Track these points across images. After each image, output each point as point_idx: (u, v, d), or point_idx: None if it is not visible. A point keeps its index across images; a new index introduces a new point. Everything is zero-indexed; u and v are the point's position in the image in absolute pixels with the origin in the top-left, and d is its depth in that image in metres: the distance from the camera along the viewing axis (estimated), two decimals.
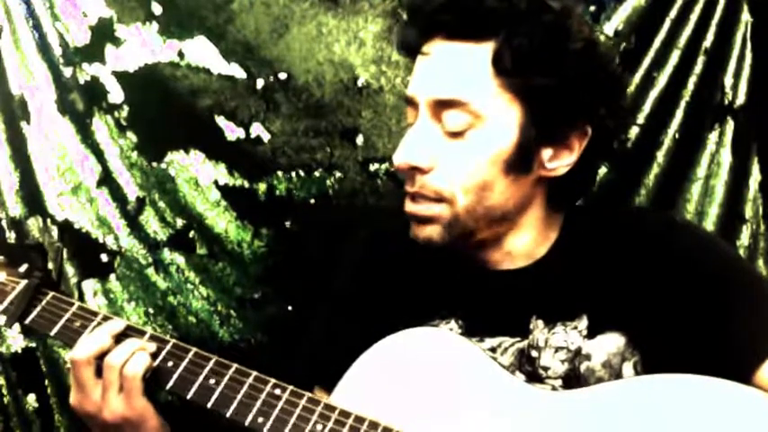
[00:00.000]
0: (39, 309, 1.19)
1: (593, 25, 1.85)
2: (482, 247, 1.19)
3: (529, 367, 1.15)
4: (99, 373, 1.12)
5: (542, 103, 1.10)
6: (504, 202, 1.14)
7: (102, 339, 1.13)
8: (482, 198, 1.12)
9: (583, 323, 1.14)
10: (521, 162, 1.12)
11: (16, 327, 2.01)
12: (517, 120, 1.10)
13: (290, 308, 2.01)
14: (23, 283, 1.20)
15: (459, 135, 1.10)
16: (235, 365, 1.12)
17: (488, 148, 1.10)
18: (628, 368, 1.12)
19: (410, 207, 1.16)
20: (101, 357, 1.12)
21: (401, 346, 1.12)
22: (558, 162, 1.15)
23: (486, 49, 1.08)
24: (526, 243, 1.20)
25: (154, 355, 1.13)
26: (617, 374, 1.12)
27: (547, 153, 1.13)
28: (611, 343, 1.13)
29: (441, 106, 1.10)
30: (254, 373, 1.11)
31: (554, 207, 1.22)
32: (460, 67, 1.10)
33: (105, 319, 1.18)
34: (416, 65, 1.16)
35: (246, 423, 1.08)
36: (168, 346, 1.14)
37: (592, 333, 1.13)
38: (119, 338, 1.14)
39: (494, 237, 1.18)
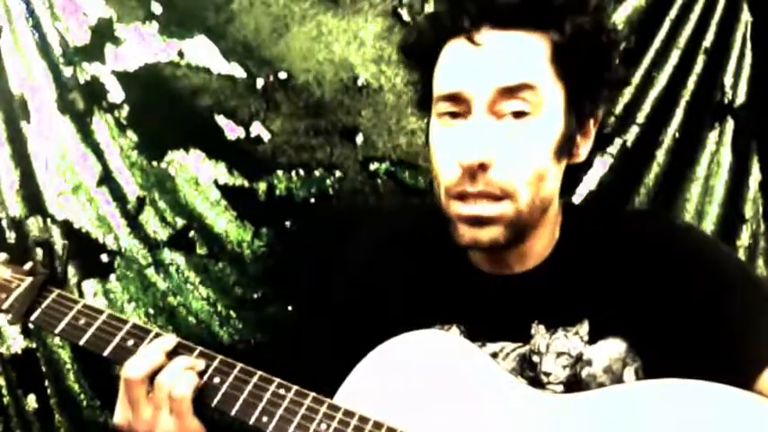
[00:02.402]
0: (43, 306, 1.19)
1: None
2: (508, 247, 1.17)
3: (530, 372, 1.15)
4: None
5: (581, 90, 1.12)
6: (553, 192, 1.15)
7: (155, 358, 1.11)
8: (539, 189, 1.11)
9: (584, 328, 1.14)
10: (566, 148, 1.14)
11: (17, 327, 2.01)
12: (563, 106, 1.11)
13: (290, 308, 2.01)
14: (28, 280, 1.20)
15: (520, 122, 1.09)
16: (259, 373, 1.12)
17: (543, 135, 1.10)
18: (629, 374, 1.12)
19: (468, 209, 1.11)
20: (152, 375, 1.10)
21: (405, 348, 1.12)
22: (584, 148, 1.18)
23: (543, 39, 1.09)
24: (541, 243, 1.20)
25: (202, 373, 1.12)
26: (618, 380, 1.12)
27: (579, 138, 1.17)
28: (612, 348, 1.13)
29: (505, 94, 1.08)
30: (259, 373, 1.11)
31: (562, 199, 1.23)
32: (523, 54, 1.09)
33: (112, 318, 1.17)
34: (457, 58, 1.12)
35: (251, 422, 1.08)
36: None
37: (593, 338, 1.13)
38: (170, 355, 1.13)
39: (531, 235, 1.18)
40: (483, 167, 1.08)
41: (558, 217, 1.22)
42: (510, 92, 1.08)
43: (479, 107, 1.09)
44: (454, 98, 1.11)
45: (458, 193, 1.11)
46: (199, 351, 1.14)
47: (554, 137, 1.11)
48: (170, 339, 1.15)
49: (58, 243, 1.98)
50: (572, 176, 1.23)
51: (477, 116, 1.09)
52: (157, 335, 1.15)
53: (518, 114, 1.08)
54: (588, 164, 1.28)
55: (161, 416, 1.09)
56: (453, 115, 1.12)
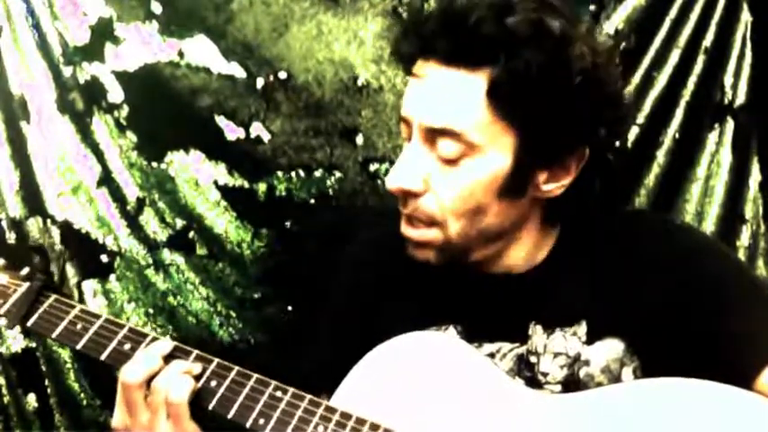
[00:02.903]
0: (40, 311, 1.18)
1: (594, 23, 1.85)
2: (481, 263, 1.18)
3: (528, 373, 1.15)
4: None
5: (538, 131, 1.07)
6: (499, 224, 1.13)
7: (152, 362, 1.10)
8: (474, 222, 1.11)
9: (582, 329, 1.14)
10: (515, 187, 1.10)
11: (16, 327, 2.01)
12: (511, 147, 1.07)
13: (290, 308, 2.02)
14: (25, 285, 1.20)
15: (453, 163, 1.08)
16: (255, 376, 1.12)
17: (481, 175, 1.08)
18: (627, 373, 1.12)
19: (405, 230, 1.16)
20: (150, 380, 1.10)
21: (401, 350, 1.12)
22: (554, 184, 1.13)
23: (482, 77, 1.05)
24: (524, 254, 1.19)
25: (198, 377, 1.11)
26: (616, 380, 1.11)
27: (542, 176, 1.11)
28: (610, 349, 1.12)
29: (434, 133, 1.08)
30: (256, 376, 1.11)
31: (551, 221, 1.21)
32: (454, 96, 1.06)
33: (109, 322, 1.17)
34: (410, 84, 1.13)
35: (248, 425, 1.08)
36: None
37: (591, 339, 1.13)
38: (167, 359, 1.12)
39: (491, 253, 1.17)
40: (412, 194, 1.11)
41: (548, 228, 1.21)
42: (436, 132, 1.07)
43: (417, 136, 1.09)
44: (405, 121, 1.12)
45: (401, 212, 1.15)
46: (195, 354, 1.14)
47: (496, 176, 1.08)
48: (167, 344, 1.14)
49: (56, 247, 1.98)
50: (574, 201, 1.19)
51: (415, 144, 1.10)
52: (154, 339, 1.15)
53: (445, 160, 1.08)
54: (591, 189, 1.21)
55: (158, 420, 1.08)
56: (408, 138, 1.13)
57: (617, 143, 1.24)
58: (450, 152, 1.07)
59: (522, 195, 1.12)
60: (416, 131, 1.09)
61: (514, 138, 1.07)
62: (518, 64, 1.02)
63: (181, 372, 1.10)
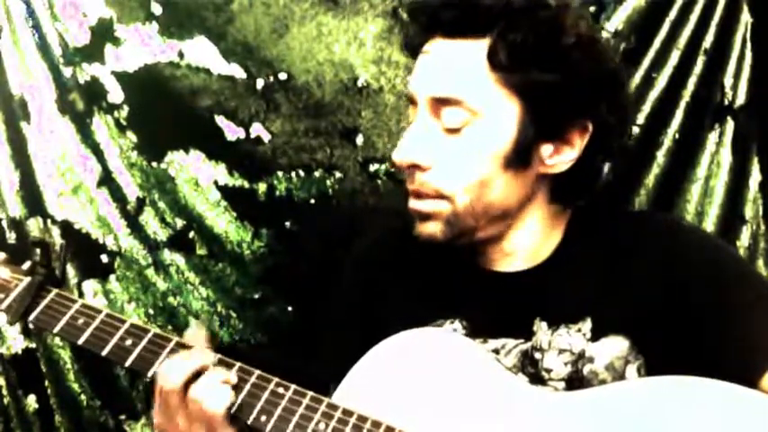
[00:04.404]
0: (42, 306, 1.18)
1: (594, 23, 1.86)
2: (484, 245, 1.19)
3: (532, 369, 1.15)
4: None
5: (540, 98, 1.10)
6: (504, 199, 1.14)
7: (191, 367, 1.08)
8: (481, 195, 1.12)
9: (586, 326, 1.13)
10: (519, 158, 1.12)
11: (17, 327, 2.01)
12: (515, 115, 1.10)
13: (289, 308, 2.01)
14: (27, 280, 1.20)
15: (457, 132, 1.10)
16: (257, 372, 1.11)
17: (486, 144, 1.11)
18: (631, 371, 1.11)
19: (412, 204, 1.17)
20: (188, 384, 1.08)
21: (404, 346, 1.12)
22: (558, 158, 1.15)
23: (483, 45, 1.09)
24: (529, 242, 1.20)
25: (237, 387, 1.09)
26: (620, 377, 1.11)
27: (547, 149, 1.14)
28: (614, 346, 1.12)
29: (438, 104, 1.11)
30: (257, 372, 1.11)
31: (557, 205, 1.22)
32: (457, 65, 1.10)
33: (111, 317, 1.17)
34: (417, 63, 1.16)
35: (249, 421, 1.07)
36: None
37: (595, 336, 1.13)
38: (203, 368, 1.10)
39: (496, 234, 1.18)
40: (419, 168, 1.13)
41: (554, 218, 1.22)
42: (441, 102, 1.11)
43: (423, 111, 1.13)
44: (411, 99, 1.16)
45: (407, 188, 1.16)
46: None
47: (500, 146, 1.11)
48: (209, 355, 1.11)
49: (57, 243, 1.98)
50: (580, 182, 1.21)
51: (422, 119, 1.13)
52: (156, 334, 1.15)
53: (450, 130, 1.11)
54: (596, 171, 1.24)
55: (195, 428, 1.07)
56: (414, 117, 1.16)
57: (622, 134, 1.25)
58: (453, 121, 1.10)
59: (527, 167, 1.14)
60: (422, 106, 1.13)
61: (518, 106, 1.10)
62: (516, 30, 1.07)
63: (219, 381, 1.08)
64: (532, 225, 1.19)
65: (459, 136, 1.11)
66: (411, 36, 1.18)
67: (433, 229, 1.15)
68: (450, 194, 1.12)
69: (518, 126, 1.10)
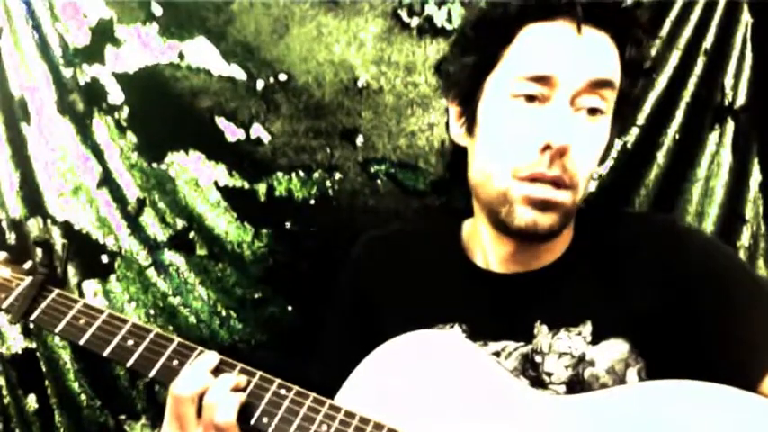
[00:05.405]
0: (43, 306, 1.18)
1: None
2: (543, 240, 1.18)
3: (532, 372, 1.15)
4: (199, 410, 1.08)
5: (624, 96, 1.14)
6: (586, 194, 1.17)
7: (204, 378, 1.08)
8: (586, 188, 1.15)
9: (587, 329, 1.14)
10: (605, 156, 1.18)
11: (17, 327, 2.01)
12: (612, 110, 1.14)
13: (290, 308, 2.01)
14: (28, 279, 1.20)
15: (592, 119, 1.11)
16: (259, 373, 1.11)
17: (604, 136, 1.14)
18: (632, 374, 1.12)
19: (540, 192, 1.10)
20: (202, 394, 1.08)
21: (406, 348, 1.12)
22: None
23: (608, 38, 1.11)
24: (562, 241, 1.21)
25: (243, 389, 1.10)
26: (621, 381, 1.12)
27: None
28: (615, 349, 1.12)
29: (592, 88, 1.09)
30: (260, 373, 1.11)
31: None
32: (610, 53, 1.11)
33: (112, 317, 1.17)
34: (552, 42, 1.11)
35: (251, 423, 1.07)
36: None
37: (596, 339, 1.13)
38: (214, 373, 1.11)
39: None
40: (563, 154, 1.08)
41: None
42: (596, 86, 1.09)
43: (564, 95, 1.09)
44: (541, 80, 1.10)
45: (531, 175, 1.10)
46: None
47: (606, 140, 1.14)
48: (213, 357, 1.12)
49: (58, 243, 1.98)
50: None
51: (560, 103, 1.09)
52: (158, 335, 1.15)
53: (593, 111, 1.10)
54: None
55: None
56: (530, 99, 1.10)
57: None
58: (599, 106, 1.10)
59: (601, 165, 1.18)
60: (566, 90, 1.09)
61: (614, 102, 1.13)
62: (632, 31, 1.12)
63: (229, 387, 1.08)
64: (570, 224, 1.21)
65: (588, 125, 1.11)
66: (504, 12, 1.14)
67: (552, 220, 1.11)
68: (576, 183, 1.11)
69: (611, 121, 1.14)
